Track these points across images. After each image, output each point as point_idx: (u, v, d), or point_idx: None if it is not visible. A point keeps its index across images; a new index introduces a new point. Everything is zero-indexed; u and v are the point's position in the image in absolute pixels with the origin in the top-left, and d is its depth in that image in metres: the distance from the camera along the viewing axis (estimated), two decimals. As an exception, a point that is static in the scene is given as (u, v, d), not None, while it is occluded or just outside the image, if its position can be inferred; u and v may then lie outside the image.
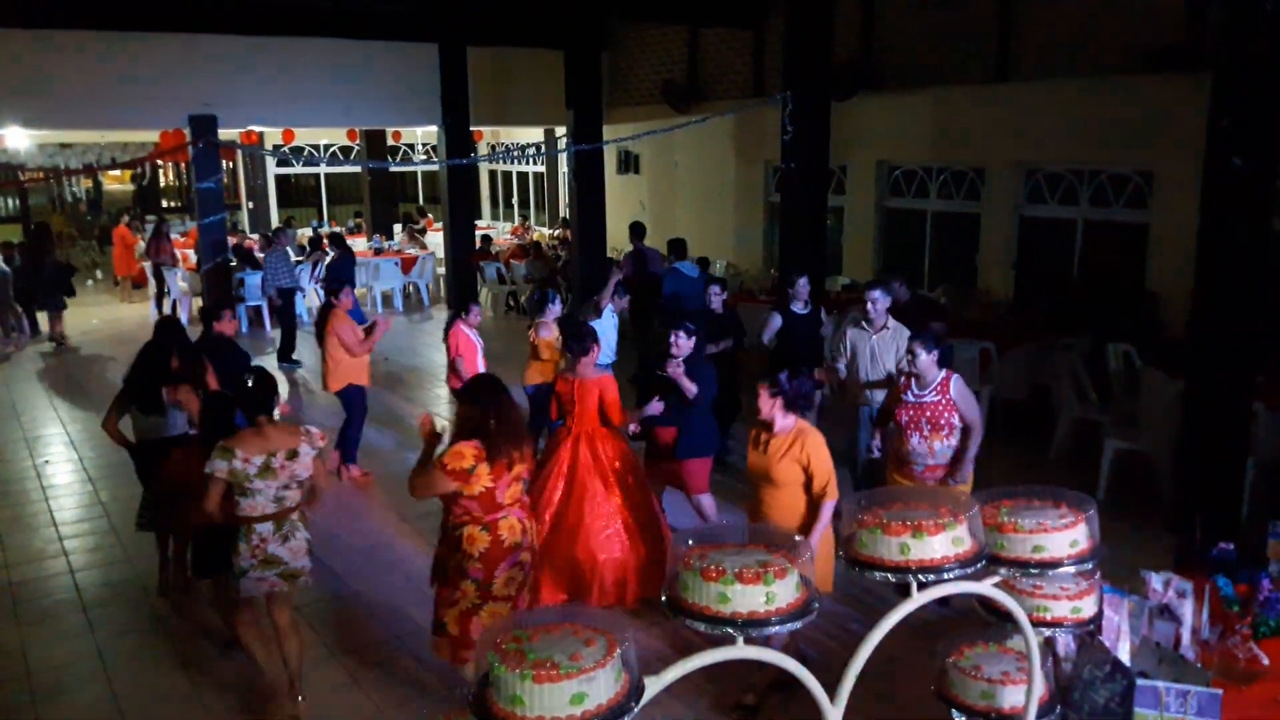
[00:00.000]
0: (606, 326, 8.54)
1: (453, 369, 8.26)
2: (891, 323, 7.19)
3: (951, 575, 2.55)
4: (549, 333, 8.11)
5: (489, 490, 4.56)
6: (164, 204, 27.21)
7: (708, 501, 6.71)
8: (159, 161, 23.42)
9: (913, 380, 5.84)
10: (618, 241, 18.57)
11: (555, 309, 8.35)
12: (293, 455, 4.84)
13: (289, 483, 4.85)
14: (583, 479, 6.17)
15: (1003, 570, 2.80)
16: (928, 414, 5.75)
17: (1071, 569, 2.80)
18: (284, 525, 4.86)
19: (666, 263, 11.55)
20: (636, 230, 12.96)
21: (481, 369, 8.00)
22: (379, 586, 6.58)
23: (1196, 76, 8.62)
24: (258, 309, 15.73)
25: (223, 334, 7.70)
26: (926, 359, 5.73)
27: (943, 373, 5.78)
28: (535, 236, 20.91)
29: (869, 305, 7.17)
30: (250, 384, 5.07)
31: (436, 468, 4.55)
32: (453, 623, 4.69)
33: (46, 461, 9.35)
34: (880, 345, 7.18)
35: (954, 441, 5.74)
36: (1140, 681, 3.39)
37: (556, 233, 20.96)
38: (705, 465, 6.74)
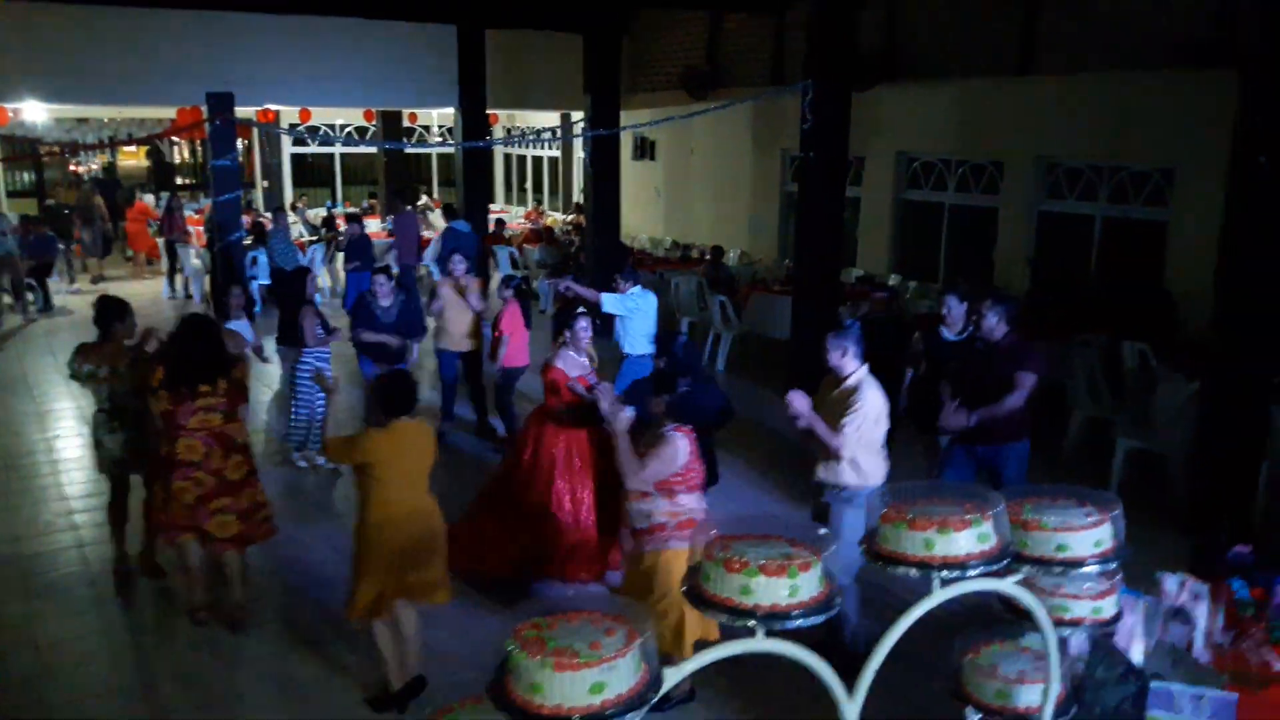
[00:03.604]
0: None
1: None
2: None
3: (975, 572, 2.52)
4: None
5: (170, 411, 5.52)
6: (178, 181, 27.21)
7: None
8: (174, 138, 23.38)
9: None
10: (631, 228, 18.55)
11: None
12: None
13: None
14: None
15: (1025, 568, 2.77)
16: None
17: (1095, 569, 2.77)
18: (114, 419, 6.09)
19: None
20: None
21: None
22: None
23: (1223, 73, 8.52)
24: (269, 287, 15.67)
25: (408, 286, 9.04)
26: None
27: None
28: (549, 222, 20.86)
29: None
30: (104, 307, 6.09)
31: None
32: (157, 509, 5.80)
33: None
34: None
35: (645, 507, 4.82)
36: (1154, 684, 3.37)
37: (570, 218, 20.92)
38: None
